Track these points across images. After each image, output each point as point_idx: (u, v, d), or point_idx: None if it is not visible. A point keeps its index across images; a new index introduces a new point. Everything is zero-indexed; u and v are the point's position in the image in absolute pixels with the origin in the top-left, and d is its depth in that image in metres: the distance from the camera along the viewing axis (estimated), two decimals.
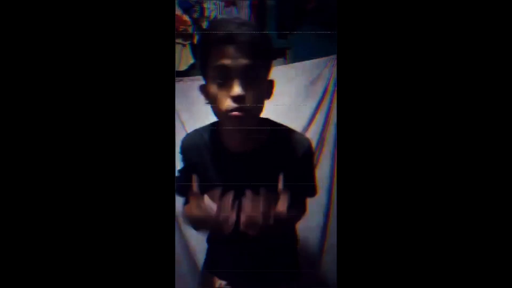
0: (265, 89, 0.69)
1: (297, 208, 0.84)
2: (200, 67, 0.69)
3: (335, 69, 1.31)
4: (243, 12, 2.14)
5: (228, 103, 0.63)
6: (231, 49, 0.62)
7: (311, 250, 1.30)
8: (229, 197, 0.64)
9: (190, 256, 1.29)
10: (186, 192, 0.81)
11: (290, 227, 0.89)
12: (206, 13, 2.11)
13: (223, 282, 0.86)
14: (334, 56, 1.32)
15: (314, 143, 0.80)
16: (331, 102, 1.33)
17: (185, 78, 1.46)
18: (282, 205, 0.65)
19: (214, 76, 0.64)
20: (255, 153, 0.74)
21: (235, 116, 0.63)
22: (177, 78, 1.38)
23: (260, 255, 0.82)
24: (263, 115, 0.71)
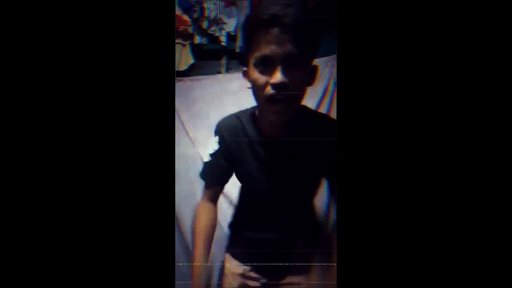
0: (309, 75, 0.67)
1: (314, 185, 0.85)
2: (244, 52, 0.69)
3: (335, 69, 1.31)
4: (243, 12, 2.13)
5: (268, 90, 0.62)
6: (275, 33, 0.59)
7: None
8: None
9: (190, 255, 1.29)
10: (210, 180, 0.84)
11: (308, 202, 0.90)
12: (206, 13, 2.11)
13: (247, 268, 0.87)
14: (334, 56, 1.32)
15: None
16: (331, 102, 1.33)
17: (185, 78, 1.46)
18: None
19: (256, 63, 0.63)
20: (291, 141, 0.73)
21: (275, 105, 0.62)
22: (177, 78, 1.38)
23: (282, 235, 0.83)
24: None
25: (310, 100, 1.34)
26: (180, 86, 1.35)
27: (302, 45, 0.61)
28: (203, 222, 0.82)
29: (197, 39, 2.09)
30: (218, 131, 0.79)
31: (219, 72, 1.91)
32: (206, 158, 0.81)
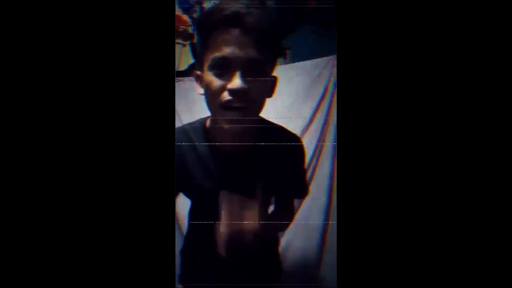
0: (268, 85, 0.61)
1: (285, 214, 0.79)
2: (198, 53, 0.61)
3: (335, 69, 1.31)
4: None
5: (225, 96, 0.55)
6: (236, 34, 0.53)
7: (311, 250, 1.30)
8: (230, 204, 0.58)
9: None
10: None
11: (275, 235, 0.85)
12: None
13: None
14: (334, 56, 1.32)
15: (305, 142, 0.78)
16: (331, 102, 1.33)
17: (185, 78, 1.46)
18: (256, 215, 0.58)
19: (212, 64, 0.56)
20: (246, 154, 0.68)
21: (231, 112, 0.56)
22: (177, 78, 1.38)
23: (242, 266, 0.76)
24: (262, 114, 0.65)
25: (310, 100, 1.35)
26: (180, 86, 1.34)
27: (264, 51, 0.55)
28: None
29: (197, 39, 2.07)
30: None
31: None
32: None
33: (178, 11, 2.02)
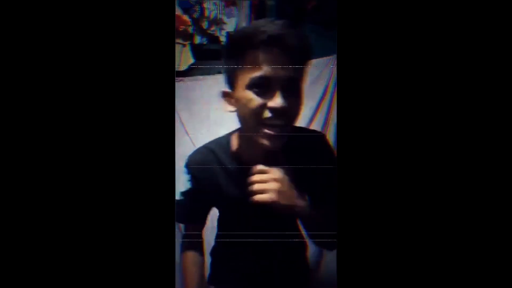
0: (300, 99, 0.64)
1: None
2: (229, 72, 0.62)
3: (335, 69, 1.31)
4: (243, 12, 2.13)
5: (265, 114, 0.57)
6: (276, 54, 0.56)
7: (311, 251, 1.30)
8: None
9: None
10: (187, 219, 0.78)
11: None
12: (206, 13, 2.11)
13: None
14: (334, 56, 1.32)
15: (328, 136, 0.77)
16: (331, 102, 1.33)
17: (185, 78, 1.46)
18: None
19: (251, 83, 0.57)
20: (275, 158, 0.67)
21: (270, 129, 0.58)
22: (177, 78, 1.38)
23: (268, 267, 0.78)
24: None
25: (310, 100, 1.35)
26: (180, 86, 1.34)
27: (299, 68, 0.58)
28: (191, 277, 0.78)
29: (197, 39, 2.08)
30: (189, 168, 0.74)
31: (219, 72, 1.91)
32: (178, 197, 0.76)
33: (178, 11, 2.02)
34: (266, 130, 0.59)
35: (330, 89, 1.33)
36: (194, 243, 0.82)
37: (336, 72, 1.30)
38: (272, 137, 0.59)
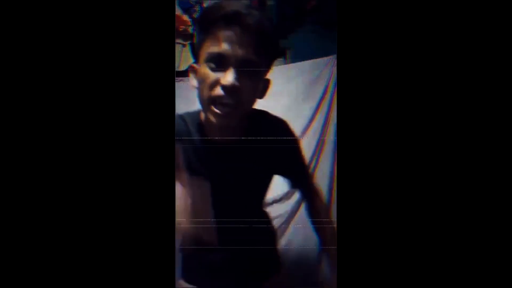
0: (261, 87, 0.63)
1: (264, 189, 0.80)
2: (196, 47, 0.63)
3: (335, 69, 1.31)
4: None
5: (217, 91, 0.57)
6: (235, 32, 0.55)
7: (311, 250, 1.30)
8: None
9: None
10: None
11: (270, 227, 0.85)
12: None
13: None
14: (334, 56, 1.32)
15: (303, 140, 0.78)
16: (331, 102, 1.33)
17: (185, 78, 1.46)
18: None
19: (208, 58, 0.57)
20: (239, 145, 0.69)
21: (219, 107, 0.57)
22: (177, 78, 1.38)
23: (240, 259, 0.76)
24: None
25: (310, 100, 1.34)
26: (180, 86, 1.34)
27: (261, 53, 0.57)
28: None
29: (196, 33, 2.07)
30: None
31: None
32: None
33: (178, 11, 2.02)
34: (216, 108, 0.58)
35: (330, 89, 1.33)
36: None
37: (336, 72, 1.30)
38: (219, 115, 0.58)
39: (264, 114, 0.74)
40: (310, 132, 1.33)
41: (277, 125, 0.75)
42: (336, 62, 1.30)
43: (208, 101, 0.59)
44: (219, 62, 0.57)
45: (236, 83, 0.56)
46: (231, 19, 0.55)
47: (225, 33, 0.56)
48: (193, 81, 0.64)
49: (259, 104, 0.68)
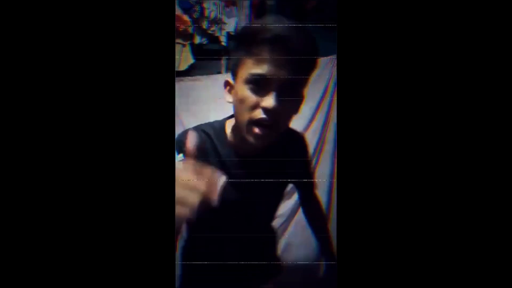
0: (297, 104, 0.64)
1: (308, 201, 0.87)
2: (234, 64, 0.63)
3: (335, 69, 1.31)
4: (243, 12, 2.13)
5: (257, 113, 0.58)
6: (278, 54, 0.55)
7: (311, 250, 1.30)
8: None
9: None
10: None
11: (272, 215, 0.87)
12: (206, 13, 2.11)
13: None
14: (334, 56, 1.33)
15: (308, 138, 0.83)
16: (331, 102, 1.34)
17: (185, 78, 1.46)
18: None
19: (250, 79, 0.58)
20: (259, 155, 0.71)
21: (259, 128, 0.58)
22: (177, 78, 1.38)
23: (241, 249, 0.79)
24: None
25: (310, 100, 1.35)
26: (180, 86, 1.34)
27: (300, 73, 0.58)
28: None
29: (197, 39, 2.09)
30: (179, 147, 0.70)
31: (219, 72, 1.91)
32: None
33: (178, 11, 2.03)
34: (255, 129, 0.59)
35: (330, 89, 1.33)
36: None
37: (336, 72, 1.30)
38: (258, 136, 0.59)
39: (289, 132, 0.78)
40: (310, 131, 1.33)
41: (296, 139, 0.79)
42: (336, 62, 1.31)
43: (248, 123, 0.60)
44: (261, 84, 0.57)
45: (278, 106, 0.57)
46: (276, 42, 0.55)
47: (269, 56, 0.56)
48: (228, 96, 0.65)
49: None
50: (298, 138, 0.80)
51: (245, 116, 0.59)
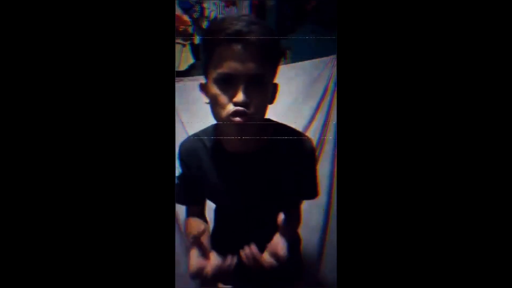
0: (270, 93, 0.65)
1: (294, 218, 0.84)
2: (203, 65, 0.65)
3: (335, 69, 1.31)
4: (243, 12, 2.13)
5: (229, 108, 0.59)
6: (239, 50, 0.57)
7: (311, 251, 1.30)
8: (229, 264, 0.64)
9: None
10: (185, 201, 0.81)
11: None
12: (206, 13, 2.11)
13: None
14: (334, 56, 1.32)
15: (315, 143, 0.80)
16: (331, 102, 1.33)
17: (185, 78, 1.46)
18: (281, 250, 0.65)
19: (217, 78, 0.60)
20: (256, 154, 0.72)
21: (237, 122, 0.59)
22: (177, 78, 1.38)
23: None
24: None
25: (310, 100, 1.34)
26: (180, 86, 1.34)
27: (265, 64, 0.59)
28: (193, 227, 0.76)
29: (197, 39, 2.08)
30: (180, 155, 0.76)
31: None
32: (176, 181, 0.78)
33: (178, 11, 2.02)
34: (234, 119, 0.60)
35: (330, 89, 1.33)
36: (196, 211, 0.83)
37: (336, 72, 1.30)
38: (240, 126, 0.60)
39: (289, 131, 0.76)
40: (310, 131, 1.33)
41: (303, 144, 0.76)
42: (336, 62, 1.30)
43: (225, 118, 0.61)
44: (228, 82, 0.59)
45: (247, 100, 0.58)
46: (233, 39, 0.57)
47: (229, 53, 0.58)
48: (205, 98, 0.67)
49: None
50: (308, 150, 0.77)
51: (222, 114, 0.61)
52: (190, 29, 2.09)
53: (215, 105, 0.62)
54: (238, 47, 0.57)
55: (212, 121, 0.74)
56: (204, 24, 2.10)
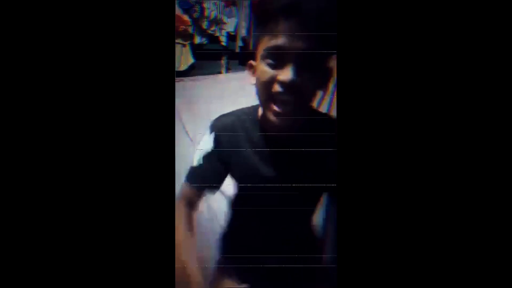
0: (322, 77, 0.60)
1: (313, 202, 0.80)
2: (254, 42, 0.61)
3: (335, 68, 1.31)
4: (243, 12, 2.13)
5: (275, 88, 0.55)
6: (294, 23, 0.52)
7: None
8: None
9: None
10: (205, 180, 0.74)
11: (306, 222, 0.85)
12: (206, 13, 2.11)
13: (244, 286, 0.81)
14: (334, 56, 1.32)
15: None
16: (331, 102, 1.33)
17: (185, 78, 1.46)
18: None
19: (266, 54, 0.55)
20: (292, 140, 0.67)
21: (278, 106, 0.55)
22: (177, 78, 1.38)
23: (279, 251, 0.78)
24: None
25: None
26: (180, 86, 1.34)
27: (321, 41, 0.53)
28: (181, 233, 0.70)
29: (197, 39, 2.09)
30: (213, 128, 0.70)
31: (219, 72, 1.91)
32: (197, 162, 0.72)
33: (178, 11, 2.03)
34: (274, 106, 0.56)
35: (330, 89, 1.33)
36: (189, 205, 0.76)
37: (336, 72, 1.30)
38: (278, 114, 0.57)
39: (328, 119, 0.72)
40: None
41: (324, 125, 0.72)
42: (336, 62, 1.30)
43: (267, 100, 0.57)
44: (277, 57, 0.54)
45: (295, 79, 0.53)
46: (290, 11, 0.52)
47: (284, 26, 0.52)
48: (250, 78, 0.62)
49: None
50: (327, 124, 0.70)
51: (264, 93, 0.57)
52: (190, 29, 2.09)
53: (259, 84, 0.58)
54: (293, 20, 0.52)
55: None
56: (204, 24, 2.10)
